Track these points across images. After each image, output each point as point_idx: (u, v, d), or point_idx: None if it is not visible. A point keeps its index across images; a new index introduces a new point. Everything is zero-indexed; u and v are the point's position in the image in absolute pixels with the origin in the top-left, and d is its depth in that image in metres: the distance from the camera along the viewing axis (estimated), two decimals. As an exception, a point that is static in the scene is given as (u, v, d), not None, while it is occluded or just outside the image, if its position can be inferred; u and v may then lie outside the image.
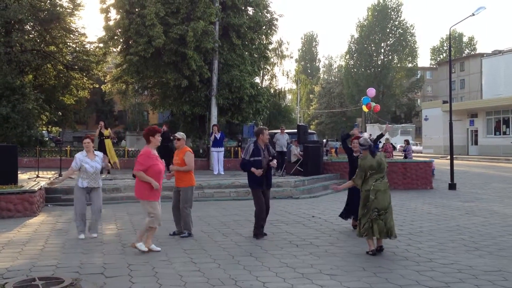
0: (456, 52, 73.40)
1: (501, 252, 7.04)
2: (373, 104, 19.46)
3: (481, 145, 41.02)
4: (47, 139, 29.43)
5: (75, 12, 27.05)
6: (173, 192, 8.11)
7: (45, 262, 6.20)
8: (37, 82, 26.89)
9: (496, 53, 52.25)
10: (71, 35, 27.64)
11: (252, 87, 19.80)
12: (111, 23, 19.81)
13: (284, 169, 17.02)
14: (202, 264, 6.17)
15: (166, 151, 14.10)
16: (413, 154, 25.78)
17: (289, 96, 58.05)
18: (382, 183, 6.79)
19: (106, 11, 19.93)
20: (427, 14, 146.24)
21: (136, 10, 18.87)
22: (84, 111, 33.84)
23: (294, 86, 52.78)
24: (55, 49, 27.07)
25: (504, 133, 39.30)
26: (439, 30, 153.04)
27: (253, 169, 7.64)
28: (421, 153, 43.52)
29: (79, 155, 7.82)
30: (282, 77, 70.20)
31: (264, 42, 22.58)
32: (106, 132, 16.45)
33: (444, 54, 77.98)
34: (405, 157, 21.59)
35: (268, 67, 36.93)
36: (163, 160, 7.13)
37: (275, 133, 18.09)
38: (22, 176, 14.06)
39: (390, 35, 67.67)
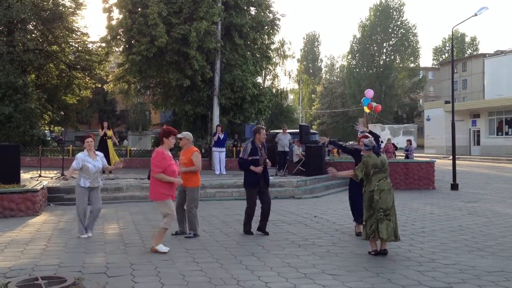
0: (458, 52, 73.15)
1: (504, 252, 7.03)
2: (374, 104, 19.47)
3: (483, 146, 40.87)
4: (49, 138, 29.51)
5: (78, 12, 26.99)
6: (178, 192, 8.07)
7: (47, 262, 6.21)
8: (39, 81, 26.86)
9: (499, 53, 52.06)
10: (74, 35, 27.60)
11: (254, 87, 19.79)
12: (114, 22, 19.84)
13: (286, 169, 17.04)
14: (204, 263, 6.18)
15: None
16: (414, 154, 25.66)
17: (291, 96, 58.10)
18: (386, 182, 6.80)
19: (108, 10, 19.94)
20: (429, 14, 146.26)
21: (139, 9, 18.87)
22: (86, 111, 33.82)
23: (296, 86, 52.73)
24: (58, 48, 27.06)
25: (507, 133, 39.17)
26: (442, 30, 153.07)
27: (252, 167, 7.92)
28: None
29: (81, 155, 7.83)
30: (284, 77, 70.58)
31: (266, 42, 22.57)
32: (110, 133, 16.52)
33: (446, 54, 77.76)
34: (407, 157, 21.56)
35: (270, 67, 36.90)
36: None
37: (277, 133, 18.09)
38: (24, 176, 14.06)
39: (392, 35, 67.55)
